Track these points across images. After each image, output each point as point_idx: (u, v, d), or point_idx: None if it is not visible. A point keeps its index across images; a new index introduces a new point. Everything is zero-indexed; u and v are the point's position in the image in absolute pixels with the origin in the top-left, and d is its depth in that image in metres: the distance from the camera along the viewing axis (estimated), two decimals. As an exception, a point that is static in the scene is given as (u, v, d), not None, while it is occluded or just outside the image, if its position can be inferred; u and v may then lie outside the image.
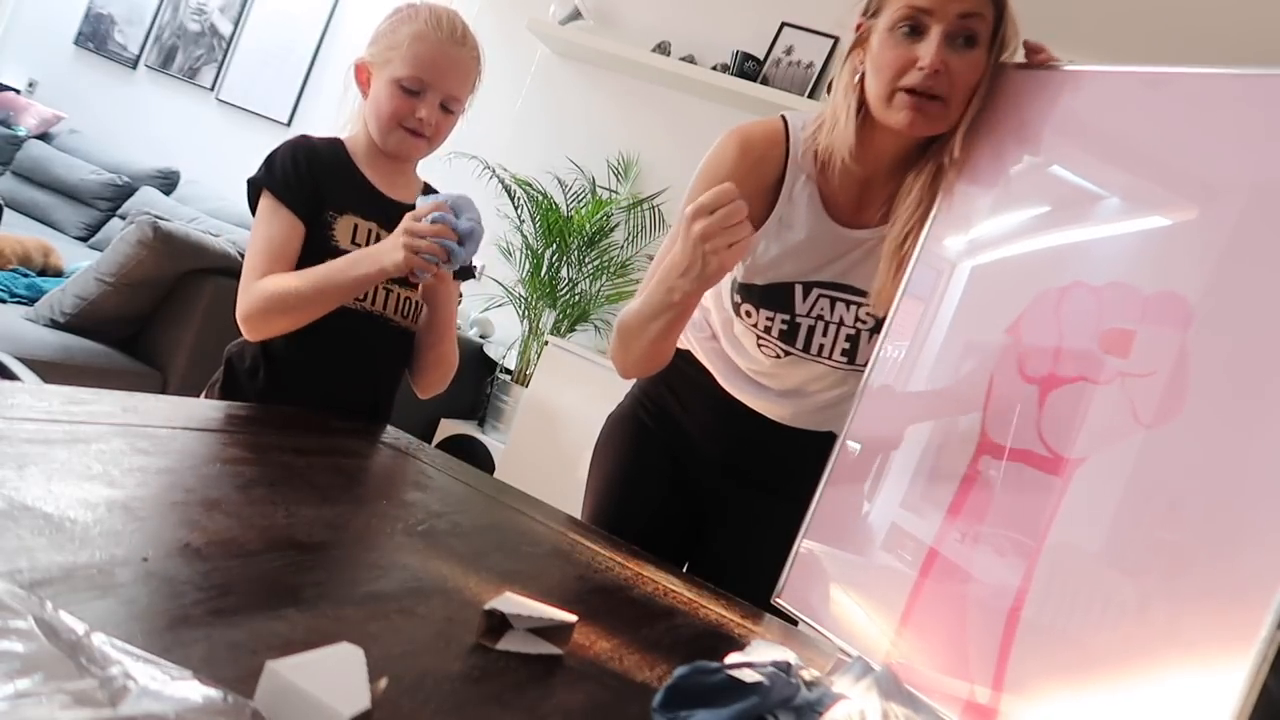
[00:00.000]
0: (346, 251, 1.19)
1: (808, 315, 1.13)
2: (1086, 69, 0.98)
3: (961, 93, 0.99)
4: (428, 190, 1.32)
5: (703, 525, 1.29)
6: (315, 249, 1.17)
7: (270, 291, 1.12)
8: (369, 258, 1.12)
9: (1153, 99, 0.92)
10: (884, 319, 1.08)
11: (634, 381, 1.36)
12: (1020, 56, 1.04)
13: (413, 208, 1.13)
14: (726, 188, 0.93)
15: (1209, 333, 0.76)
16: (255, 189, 1.18)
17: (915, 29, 0.98)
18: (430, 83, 1.18)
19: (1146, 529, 0.74)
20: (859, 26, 1.06)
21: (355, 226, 1.21)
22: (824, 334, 1.13)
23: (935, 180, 1.03)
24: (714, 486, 1.27)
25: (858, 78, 1.05)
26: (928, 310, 1.03)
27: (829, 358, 1.14)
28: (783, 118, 1.15)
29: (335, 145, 1.25)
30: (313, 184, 1.18)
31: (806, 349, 1.15)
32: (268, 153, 1.20)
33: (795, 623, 1.02)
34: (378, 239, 1.22)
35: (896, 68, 0.99)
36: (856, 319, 1.12)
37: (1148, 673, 0.69)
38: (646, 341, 1.09)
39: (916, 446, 0.96)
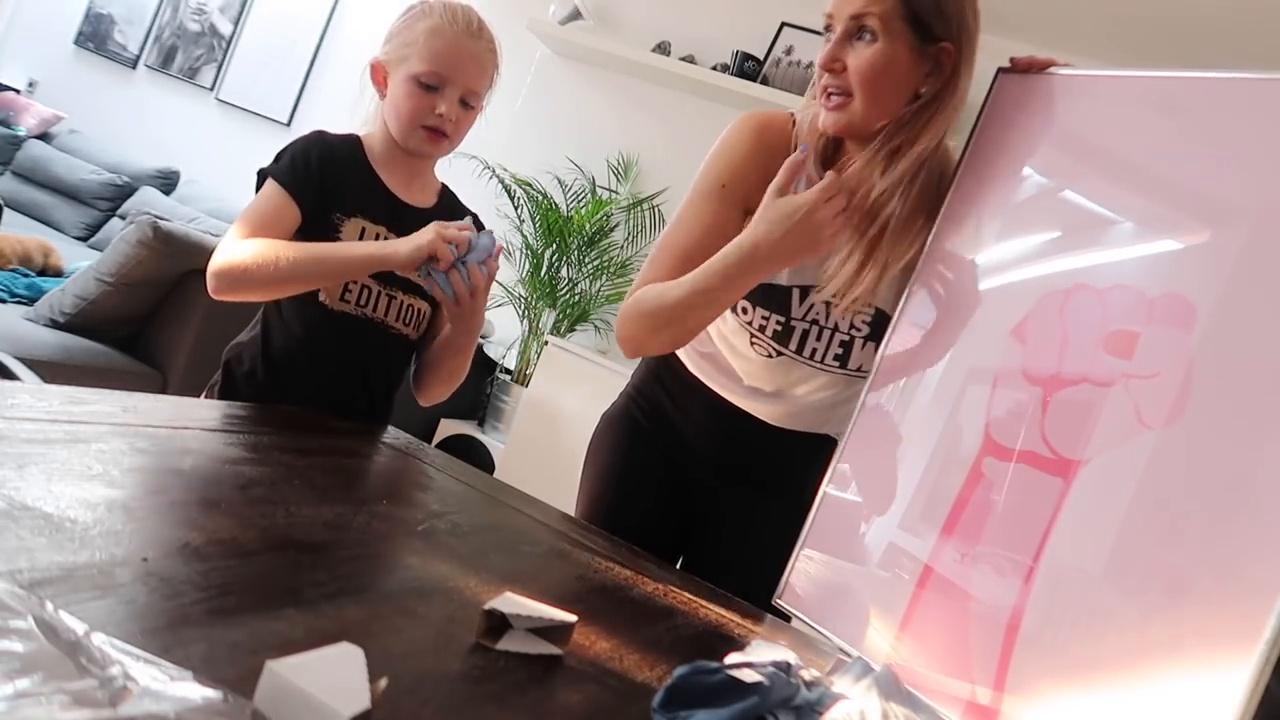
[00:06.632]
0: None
1: (803, 319, 1.13)
2: (1087, 73, 0.98)
3: (863, 84, 1.02)
4: (447, 193, 1.32)
5: (695, 524, 1.28)
6: None
7: (255, 249, 1.06)
8: (380, 244, 1.12)
9: (1154, 103, 0.92)
10: (880, 326, 1.08)
11: (628, 380, 1.36)
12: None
13: (423, 211, 1.14)
14: (833, 179, 1.01)
15: (1213, 334, 0.76)
16: (261, 178, 1.17)
17: (830, 33, 1.04)
18: (449, 77, 1.17)
19: (1149, 530, 0.74)
20: None
21: (363, 230, 1.19)
22: (818, 338, 1.13)
23: (890, 165, 1.04)
24: (708, 486, 1.27)
25: None
26: (929, 312, 1.03)
27: (821, 362, 1.14)
28: (792, 116, 1.15)
29: (353, 143, 1.23)
30: (320, 180, 1.16)
31: (799, 351, 1.14)
32: (281, 147, 1.19)
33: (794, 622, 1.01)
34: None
35: (817, 71, 1.06)
36: (852, 325, 1.12)
37: (1150, 673, 0.69)
38: (708, 315, 1.09)
39: (919, 449, 0.96)
